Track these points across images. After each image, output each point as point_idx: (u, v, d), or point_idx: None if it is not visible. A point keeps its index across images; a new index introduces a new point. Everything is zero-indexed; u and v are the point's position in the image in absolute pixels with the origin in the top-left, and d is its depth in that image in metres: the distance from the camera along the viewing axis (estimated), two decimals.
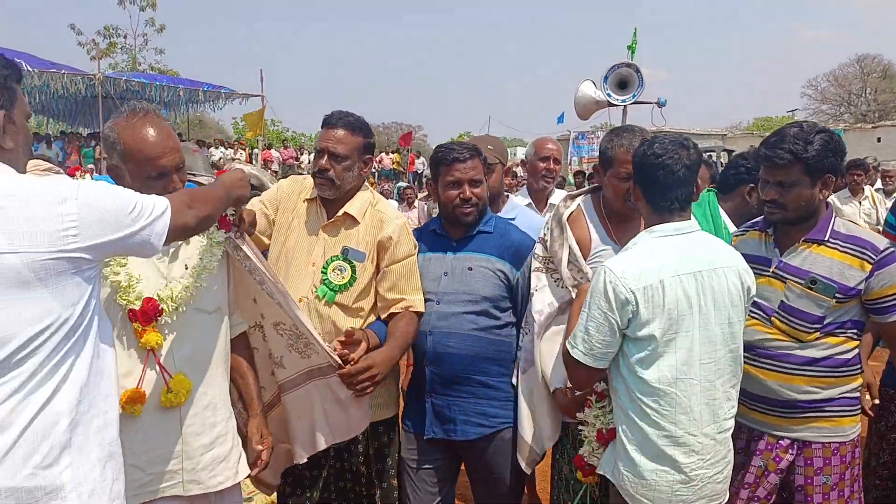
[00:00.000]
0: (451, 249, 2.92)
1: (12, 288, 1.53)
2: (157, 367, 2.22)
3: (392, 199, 13.19)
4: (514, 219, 3.26)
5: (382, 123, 58.50)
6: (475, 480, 2.97)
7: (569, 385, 2.56)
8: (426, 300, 2.85)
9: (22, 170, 1.73)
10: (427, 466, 2.93)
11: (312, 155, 3.11)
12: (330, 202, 2.86)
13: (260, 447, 2.48)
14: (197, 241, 2.37)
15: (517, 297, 2.86)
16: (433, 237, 2.99)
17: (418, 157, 28.40)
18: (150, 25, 39.13)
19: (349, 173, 2.80)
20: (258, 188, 4.29)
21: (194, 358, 2.30)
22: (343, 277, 2.79)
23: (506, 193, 3.77)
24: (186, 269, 2.31)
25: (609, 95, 11.33)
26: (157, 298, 2.20)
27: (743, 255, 2.46)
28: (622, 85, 11.32)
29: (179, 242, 2.31)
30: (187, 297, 2.26)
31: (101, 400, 1.72)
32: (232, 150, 23.76)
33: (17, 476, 1.53)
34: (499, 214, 3.22)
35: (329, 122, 2.81)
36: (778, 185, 2.50)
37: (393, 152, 29.32)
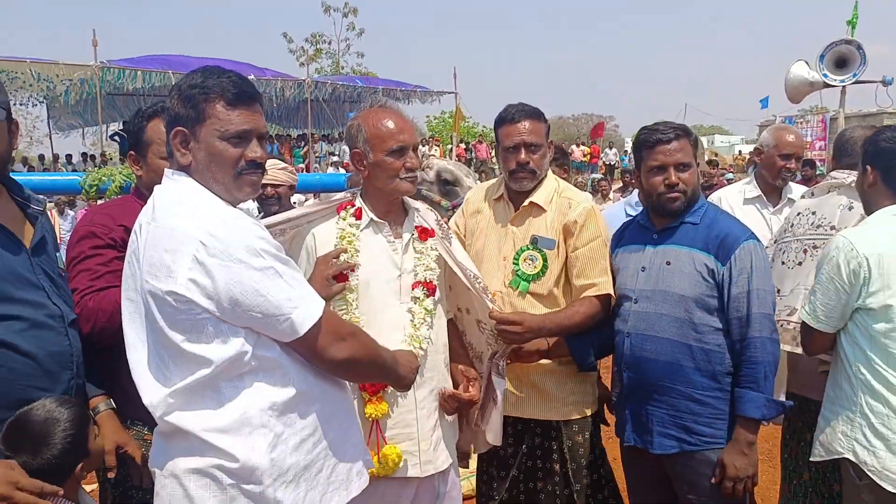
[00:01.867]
0: (650, 242, 2.68)
1: None
2: (376, 436, 2.36)
3: (586, 191, 12.97)
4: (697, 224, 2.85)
5: (572, 115, 57.97)
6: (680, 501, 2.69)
7: None
8: (625, 297, 2.68)
9: (216, 187, 1.78)
10: (633, 474, 2.81)
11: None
12: (517, 195, 2.83)
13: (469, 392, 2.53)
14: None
15: (724, 296, 2.51)
16: (637, 228, 2.79)
17: (611, 149, 27.75)
18: (352, 30, 41.48)
19: (545, 160, 2.79)
20: (453, 183, 4.35)
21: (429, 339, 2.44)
22: (535, 267, 2.75)
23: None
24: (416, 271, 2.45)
25: (825, 76, 10.32)
26: None
27: None
28: (840, 64, 10.27)
29: (410, 249, 2.47)
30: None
31: None
32: (427, 148, 24.57)
33: None
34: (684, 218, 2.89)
35: (511, 118, 2.78)
36: None
37: (583, 144, 28.87)
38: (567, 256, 2.76)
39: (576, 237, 2.73)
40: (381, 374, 2.08)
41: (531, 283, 2.75)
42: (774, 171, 3.75)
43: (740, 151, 32.44)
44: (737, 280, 2.48)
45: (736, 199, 3.80)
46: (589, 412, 2.85)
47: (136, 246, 1.76)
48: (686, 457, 2.56)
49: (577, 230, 2.73)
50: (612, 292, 2.71)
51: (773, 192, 3.80)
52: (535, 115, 2.79)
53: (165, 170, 1.84)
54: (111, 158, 19.79)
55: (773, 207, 3.75)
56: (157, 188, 1.82)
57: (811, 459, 2.58)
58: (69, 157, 24.07)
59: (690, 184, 2.60)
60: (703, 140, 38.27)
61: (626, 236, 2.80)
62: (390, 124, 2.39)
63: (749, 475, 2.45)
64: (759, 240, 2.58)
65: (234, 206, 1.81)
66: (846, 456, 2.39)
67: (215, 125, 1.76)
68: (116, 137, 22.16)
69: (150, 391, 1.74)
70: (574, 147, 27.44)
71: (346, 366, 1.85)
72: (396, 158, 2.38)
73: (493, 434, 2.68)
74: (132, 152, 2.56)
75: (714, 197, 3.91)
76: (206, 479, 1.71)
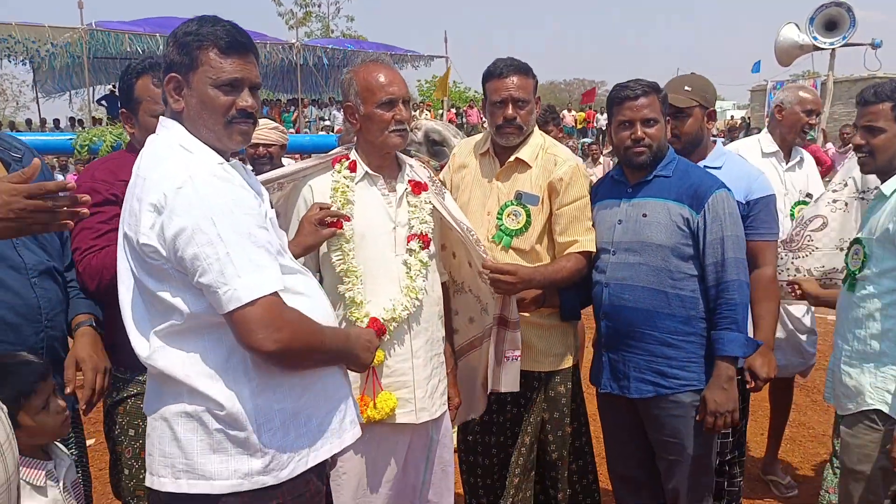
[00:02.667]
0: (626, 196, 2.76)
1: None
2: (372, 383, 2.43)
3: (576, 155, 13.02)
4: (720, 168, 2.96)
5: (564, 80, 57.62)
6: (657, 450, 2.80)
7: None
8: (603, 251, 2.77)
9: (205, 134, 1.80)
10: (610, 421, 2.92)
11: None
12: (502, 151, 2.88)
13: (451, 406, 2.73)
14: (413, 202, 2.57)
15: (700, 243, 2.61)
16: (611, 184, 2.86)
17: (602, 114, 27.68)
18: None
19: (531, 116, 2.84)
20: (441, 143, 4.41)
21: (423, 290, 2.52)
22: (518, 222, 2.81)
23: (714, 139, 3.32)
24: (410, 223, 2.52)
25: (815, 38, 10.33)
26: (382, 318, 2.42)
27: None
28: (830, 27, 10.28)
29: (404, 203, 2.54)
30: (409, 310, 2.48)
31: None
32: (418, 112, 24.45)
33: None
34: (705, 163, 2.97)
35: (499, 73, 2.80)
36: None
37: (578, 111, 28.77)
38: (551, 213, 2.82)
39: (561, 195, 2.79)
40: (329, 360, 1.93)
41: (514, 238, 2.81)
42: (798, 127, 3.84)
43: (732, 116, 32.39)
44: (711, 227, 2.58)
45: (753, 152, 3.82)
46: (570, 363, 2.96)
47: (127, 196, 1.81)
48: (660, 400, 2.67)
49: (562, 188, 2.79)
50: (594, 249, 2.80)
51: (786, 150, 3.89)
52: (524, 70, 2.82)
53: (160, 117, 1.87)
54: (99, 122, 19.60)
55: (787, 164, 3.83)
56: (149, 137, 1.86)
57: (840, 413, 2.61)
58: (56, 121, 23.84)
59: (657, 138, 2.67)
60: None
61: (601, 192, 2.88)
62: (381, 77, 2.45)
63: (729, 410, 2.57)
64: (729, 189, 2.67)
65: (226, 157, 1.84)
66: (877, 407, 2.43)
67: (208, 72, 1.77)
68: (104, 102, 22.00)
69: (135, 334, 1.79)
70: (565, 112, 27.34)
71: (276, 357, 1.71)
72: (386, 111, 2.44)
73: (511, 384, 2.79)
74: (123, 110, 2.57)
75: (732, 147, 3.95)
76: (193, 422, 1.74)
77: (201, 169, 1.71)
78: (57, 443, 2.17)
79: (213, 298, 1.66)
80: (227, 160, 1.84)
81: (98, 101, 22.36)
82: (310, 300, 1.87)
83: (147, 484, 1.83)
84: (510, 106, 2.78)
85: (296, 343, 1.72)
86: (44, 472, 2.01)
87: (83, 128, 20.77)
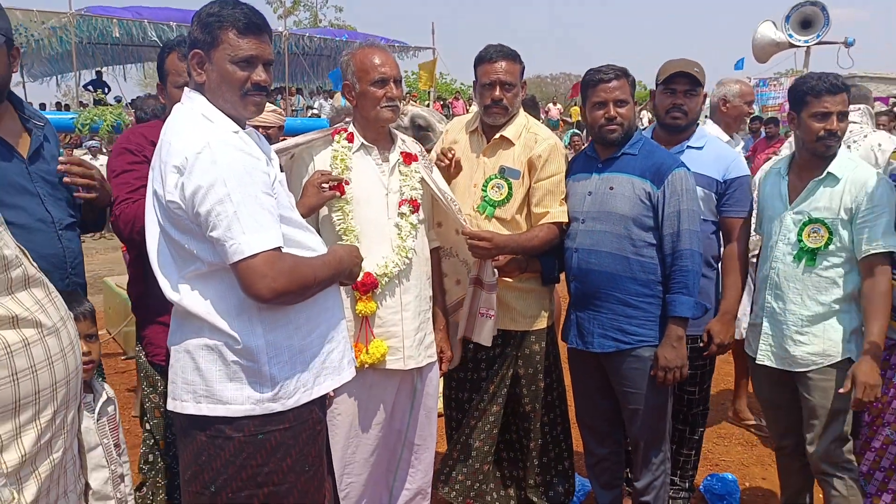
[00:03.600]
0: (596, 171, 3.03)
1: None
2: (365, 331, 2.74)
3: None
4: (702, 147, 3.23)
5: (551, 74, 57.84)
6: (620, 400, 3.08)
7: None
8: (574, 219, 3.05)
9: (223, 104, 2.05)
10: (578, 374, 3.21)
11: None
12: (490, 128, 3.14)
13: (443, 359, 3.03)
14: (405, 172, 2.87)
15: (659, 215, 2.89)
16: (584, 159, 3.14)
17: None
18: None
19: (517, 99, 3.11)
20: (426, 128, 4.68)
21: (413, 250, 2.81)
22: (501, 194, 3.09)
23: (697, 122, 3.43)
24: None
25: (791, 36, 10.68)
26: (375, 273, 2.71)
27: None
28: (805, 25, 10.63)
29: (396, 171, 2.83)
30: (400, 267, 2.77)
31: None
32: (404, 102, 24.58)
33: None
34: (689, 143, 3.23)
35: (490, 58, 3.06)
36: None
37: (564, 105, 29.04)
38: (530, 186, 3.10)
39: (539, 170, 3.07)
40: (327, 286, 2.15)
41: (496, 208, 3.08)
42: (741, 116, 4.26)
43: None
44: (669, 201, 2.87)
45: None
46: (545, 325, 3.25)
47: (155, 158, 2.07)
48: (622, 354, 2.97)
49: (540, 164, 3.06)
50: (566, 220, 3.07)
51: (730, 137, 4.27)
52: (512, 56, 3.08)
53: (185, 89, 2.13)
54: (85, 106, 19.66)
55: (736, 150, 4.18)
56: (175, 106, 2.12)
57: (798, 371, 2.91)
58: (42, 105, 23.82)
59: (627, 118, 2.95)
60: None
61: (575, 166, 3.17)
62: (375, 59, 2.74)
63: (678, 366, 2.88)
64: (688, 168, 2.95)
65: (241, 125, 2.09)
66: (848, 356, 2.80)
67: (227, 50, 2.00)
68: (90, 87, 22.01)
69: (161, 277, 2.04)
70: (550, 105, 27.62)
71: (276, 300, 1.94)
72: (379, 88, 2.72)
73: (484, 338, 3.05)
74: (159, 83, 2.89)
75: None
76: (213, 354, 1.99)
77: (218, 137, 1.95)
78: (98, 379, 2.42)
79: (220, 250, 1.91)
80: (244, 127, 2.10)
81: (84, 87, 22.37)
82: (313, 253, 2.14)
83: (169, 408, 2.06)
84: (498, 88, 3.04)
85: (291, 287, 1.95)
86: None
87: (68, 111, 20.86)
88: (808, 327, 2.86)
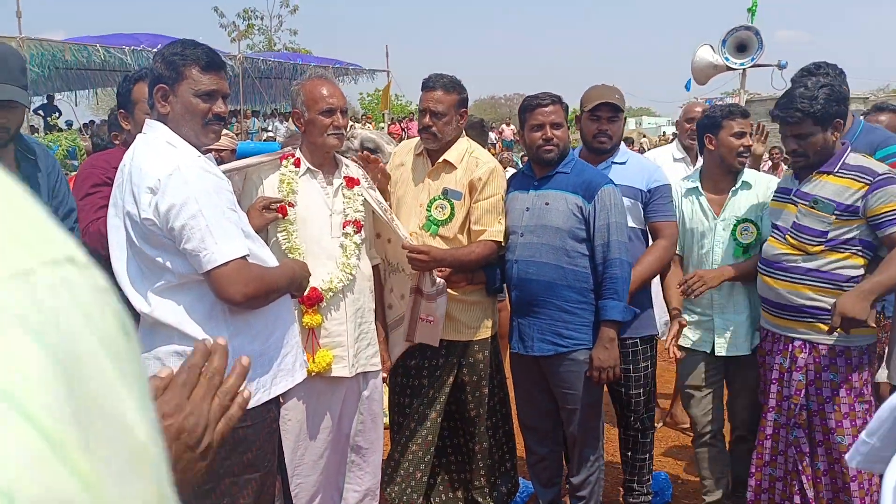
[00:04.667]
0: (533, 188, 3.28)
1: None
2: (311, 342, 2.92)
3: (514, 167, 13.57)
4: (625, 163, 3.50)
5: (505, 95, 58.72)
6: (559, 401, 3.29)
7: None
8: (513, 233, 3.28)
9: (186, 133, 2.26)
10: (520, 377, 3.43)
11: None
12: (434, 152, 3.36)
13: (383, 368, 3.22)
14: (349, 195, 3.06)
15: (590, 228, 3.13)
16: (521, 177, 3.41)
17: None
18: (285, 7, 41.14)
19: (448, 127, 3.30)
20: (375, 151, 4.90)
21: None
22: (444, 213, 3.30)
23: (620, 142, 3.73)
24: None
25: (727, 59, 11.16)
26: (320, 288, 2.88)
27: (778, 186, 3.18)
28: (741, 48, 11.13)
29: (339, 194, 3.03)
30: (344, 283, 2.96)
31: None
32: (361, 125, 24.80)
33: None
34: (613, 159, 3.46)
35: (428, 86, 3.30)
36: (795, 138, 2.93)
37: (520, 128, 29.48)
38: (470, 206, 3.33)
39: (479, 192, 3.28)
40: (284, 293, 2.41)
41: (440, 227, 3.29)
42: (684, 133, 4.74)
43: (665, 133, 33.75)
44: (599, 214, 3.12)
45: (667, 157, 4.74)
46: (488, 334, 3.45)
47: (121, 181, 2.25)
48: (559, 357, 3.20)
49: (480, 186, 3.28)
50: (501, 240, 3.29)
51: (692, 155, 4.67)
52: (447, 86, 3.29)
53: (147, 119, 2.33)
54: (37, 130, 19.46)
55: (695, 167, 4.46)
56: (138, 136, 2.32)
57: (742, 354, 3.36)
58: None
59: (562, 139, 3.22)
60: (632, 122, 39.57)
61: (513, 184, 3.42)
62: (324, 90, 2.93)
63: (610, 366, 3.12)
64: (616, 185, 3.22)
65: (201, 151, 2.29)
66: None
67: (191, 84, 2.24)
68: (41, 111, 21.75)
69: (131, 291, 2.22)
70: (504, 126, 28.11)
71: (246, 304, 2.18)
72: (326, 117, 2.91)
73: (428, 339, 3.25)
74: (121, 110, 3.06)
75: (650, 155, 4.87)
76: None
77: (186, 160, 2.19)
78: None
79: (194, 261, 2.13)
80: (202, 154, 2.30)
81: (35, 111, 22.13)
82: (268, 265, 2.35)
83: None
84: (428, 116, 3.27)
85: (259, 292, 2.21)
86: None
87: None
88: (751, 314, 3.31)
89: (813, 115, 2.84)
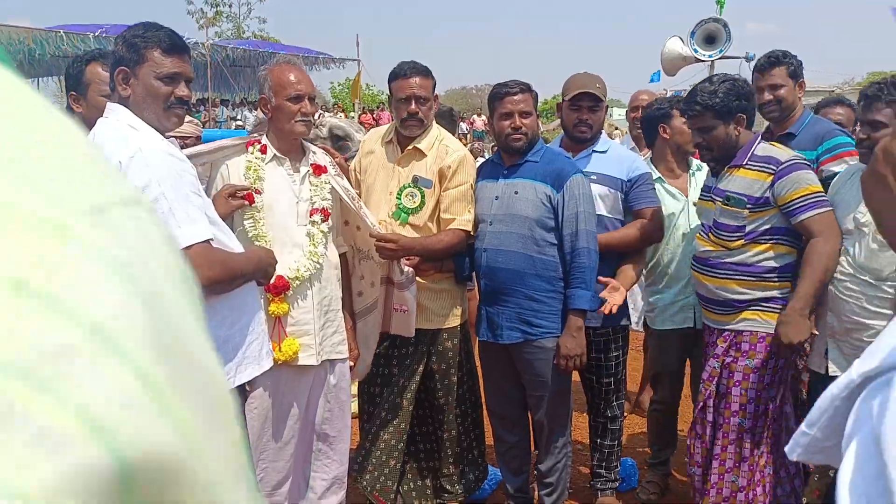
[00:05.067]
0: (502, 176, 3.28)
1: None
2: (278, 330, 2.88)
3: (484, 156, 13.57)
4: (605, 151, 3.50)
5: (476, 85, 58.66)
6: (527, 388, 3.32)
7: None
8: (482, 221, 3.28)
9: (148, 116, 2.22)
10: (488, 366, 3.44)
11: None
12: (403, 140, 3.34)
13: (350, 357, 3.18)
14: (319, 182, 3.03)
15: (559, 217, 3.14)
16: (491, 166, 3.40)
17: None
18: None
19: (431, 112, 3.31)
20: (345, 138, 4.87)
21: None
22: (414, 202, 3.29)
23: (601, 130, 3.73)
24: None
25: (696, 51, 11.29)
26: (287, 276, 2.84)
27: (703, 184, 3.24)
28: (709, 40, 11.26)
29: (306, 182, 3.00)
30: (311, 271, 2.93)
31: None
32: (332, 114, 24.64)
33: None
34: (594, 148, 3.46)
35: (404, 74, 3.26)
36: (699, 132, 3.01)
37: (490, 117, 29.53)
38: (440, 195, 3.33)
39: (448, 179, 3.27)
40: (249, 279, 2.40)
41: (410, 215, 3.27)
42: (631, 123, 4.79)
43: None
44: (568, 204, 3.13)
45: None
46: (458, 322, 3.45)
47: None
48: (527, 345, 3.21)
49: (450, 174, 3.27)
50: (470, 228, 3.29)
51: (641, 145, 4.61)
52: (425, 72, 3.29)
53: (108, 103, 2.28)
54: None
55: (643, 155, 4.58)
56: (99, 119, 2.26)
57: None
58: None
59: (531, 128, 3.22)
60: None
61: (482, 172, 3.41)
62: (291, 76, 2.89)
63: (577, 354, 3.14)
64: (584, 174, 3.24)
65: (163, 135, 2.25)
66: None
67: (152, 67, 2.20)
68: None
69: None
70: (475, 117, 28.08)
71: (209, 288, 2.13)
72: (294, 104, 2.86)
73: (403, 330, 3.26)
74: (73, 93, 2.93)
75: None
76: None
77: (149, 143, 2.14)
78: None
79: None
80: (165, 138, 2.27)
81: None
82: (233, 251, 2.32)
83: None
84: (413, 102, 3.23)
85: (223, 277, 2.18)
86: None
87: None
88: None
89: (713, 109, 2.91)
